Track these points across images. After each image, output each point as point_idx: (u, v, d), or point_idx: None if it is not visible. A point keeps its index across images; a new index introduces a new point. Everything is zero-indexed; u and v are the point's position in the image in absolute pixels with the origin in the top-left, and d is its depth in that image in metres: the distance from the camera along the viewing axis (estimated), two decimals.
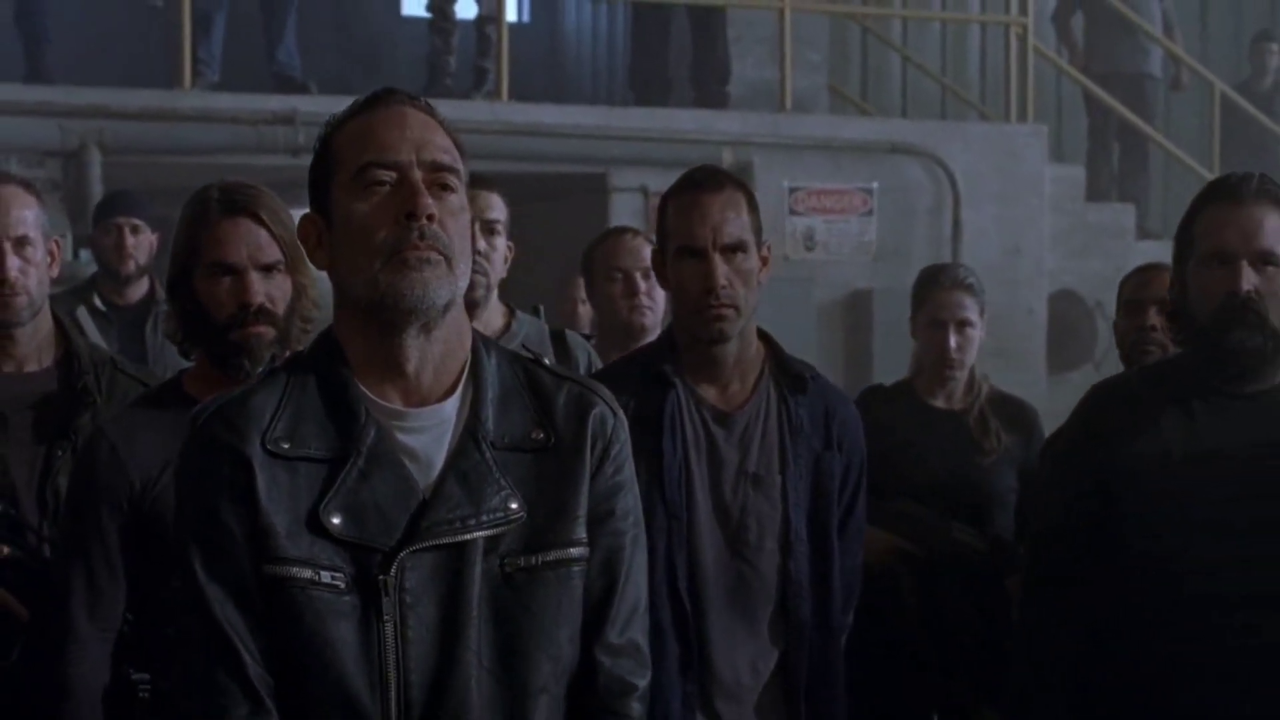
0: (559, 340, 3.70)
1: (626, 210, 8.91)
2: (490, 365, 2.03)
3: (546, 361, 2.11)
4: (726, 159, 8.99)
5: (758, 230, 3.03)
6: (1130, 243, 9.95)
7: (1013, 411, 4.19)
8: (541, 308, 3.90)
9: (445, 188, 1.98)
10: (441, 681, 1.92)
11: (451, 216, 1.97)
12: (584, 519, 2.00)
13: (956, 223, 9.36)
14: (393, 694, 1.91)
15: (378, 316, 1.96)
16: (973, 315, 4.11)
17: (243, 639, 1.91)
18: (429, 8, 9.12)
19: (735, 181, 3.06)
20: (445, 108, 7.67)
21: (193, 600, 1.92)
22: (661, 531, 2.92)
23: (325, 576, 1.91)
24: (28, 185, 3.41)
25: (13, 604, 3.11)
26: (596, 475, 2.02)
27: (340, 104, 7.38)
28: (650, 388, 2.99)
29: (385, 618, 1.91)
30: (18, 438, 3.26)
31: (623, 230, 4.51)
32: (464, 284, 2.00)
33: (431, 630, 1.92)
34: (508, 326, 3.58)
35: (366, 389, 1.98)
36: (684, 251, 2.97)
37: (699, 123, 9.03)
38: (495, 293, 3.56)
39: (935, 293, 4.12)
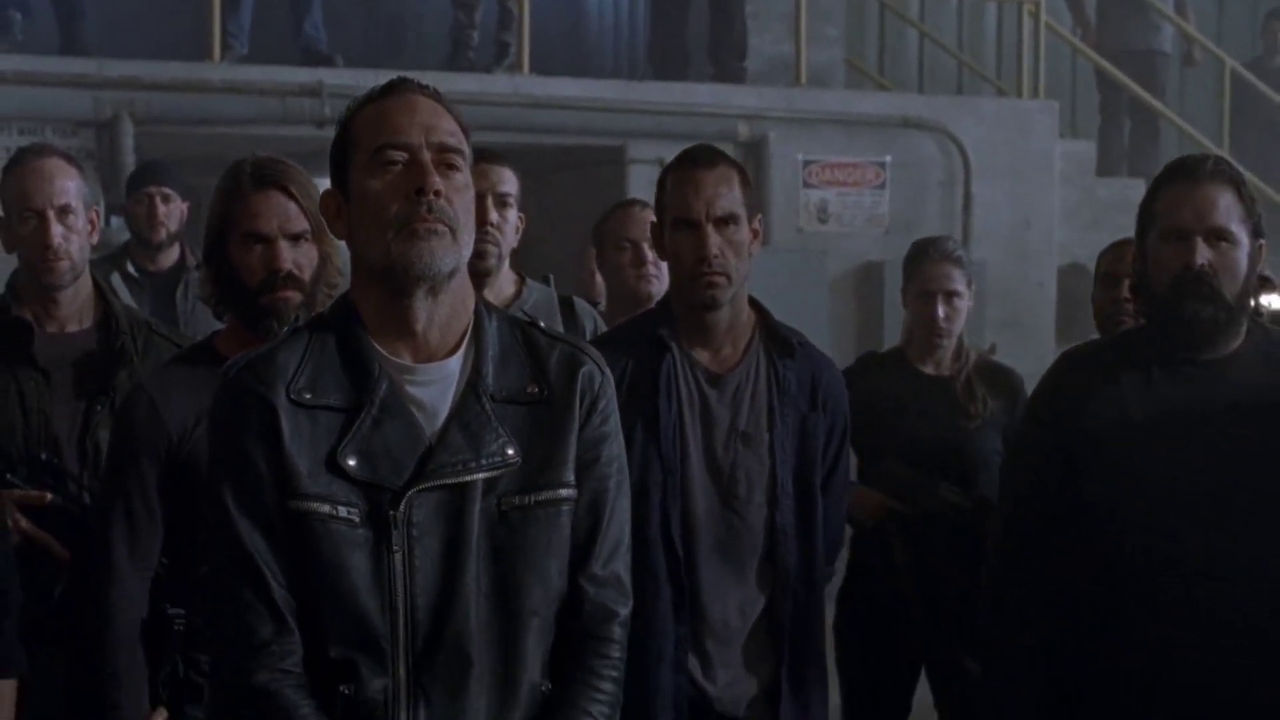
0: (567, 307, 3.92)
1: (643, 181, 9.07)
2: (491, 327, 2.26)
3: (542, 325, 2.34)
4: (742, 132, 9.19)
5: (749, 205, 3.23)
6: None
7: (999, 378, 4.39)
8: (552, 276, 4.10)
9: (451, 167, 2.21)
10: (444, 605, 2.15)
11: (457, 192, 2.20)
12: (572, 464, 2.23)
13: (968, 196, 9.53)
14: (400, 616, 2.15)
15: (390, 281, 2.18)
16: (960, 286, 4.30)
17: (269, 565, 2.14)
18: None
19: (729, 159, 3.27)
20: (467, 81, 7.89)
21: (224, 532, 2.16)
22: (657, 485, 3.14)
23: (342, 511, 2.14)
24: (69, 158, 3.64)
25: (55, 546, 3.36)
26: (584, 426, 2.25)
27: (364, 77, 7.70)
28: (648, 351, 3.20)
29: (395, 549, 2.15)
30: (60, 393, 3.50)
31: (632, 203, 4.71)
32: (467, 252, 2.23)
33: (435, 560, 2.16)
34: (519, 294, 3.78)
35: (379, 346, 2.21)
36: (680, 223, 3.18)
37: (715, 97, 9.21)
38: (507, 261, 3.76)
39: (924, 265, 4.32)
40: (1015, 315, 9.53)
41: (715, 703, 3.17)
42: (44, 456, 3.44)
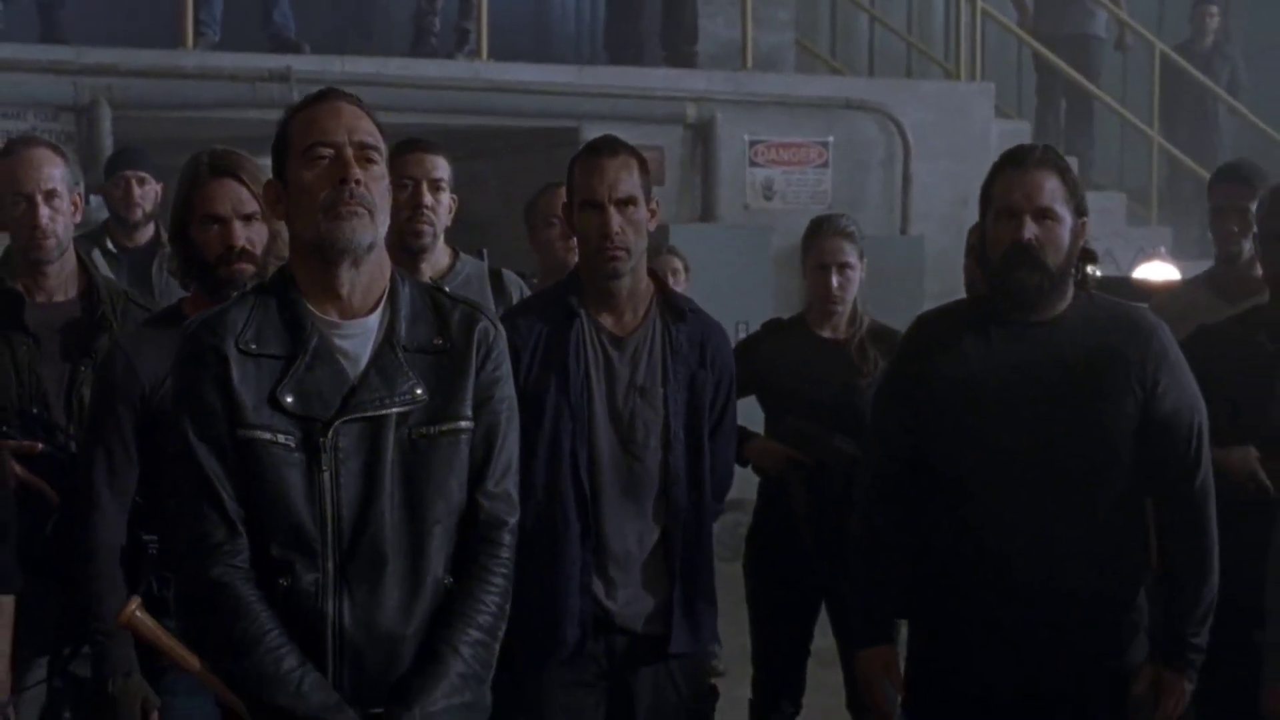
0: (496, 278, 4.39)
1: None
2: (404, 290, 2.77)
3: (446, 289, 2.84)
4: (690, 114, 9.66)
5: (647, 189, 3.70)
6: None
7: (890, 340, 4.82)
8: (485, 250, 4.58)
9: (370, 161, 2.71)
10: (363, 515, 2.67)
11: (374, 181, 2.70)
12: (470, 402, 2.74)
13: (907, 175, 10.02)
14: (328, 524, 2.66)
15: (320, 254, 2.69)
16: (852, 259, 4.77)
17: (221, 482, 2.65)
18: None
19: (629, 148, 3.74)
20: (429, 66, 8.38)
21: (184, 456, 2.67)
22: (567, 433, 3.62)
23: (280, 439, 2.65)
24: (55, 148, 4.11)
25: (46, 489, 3.82)
26: (480, 371, 2.76)
27: (331, 63, 8.27)
28: (559, 317, 3.68)
29: (324, 469, 2.65)
30: (49, 355, 3.96)
31: (560, 184, 5.18)
32: (383, 230, 2.73)
33: (357, 479, 2.67)
34: (453, 266, 4.25)
35: (312, 307, 2.71)
36: (586, 204, 3.66)
37: (665, 81, 9.67)
38: (441, 238, 4.23)
39: (820, 240, 4.80)
40: (953, 288, 9.82)
41: (616, 618, 3.66)
42: (35, 411, 3.88)
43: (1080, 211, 3.55)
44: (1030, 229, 3.48)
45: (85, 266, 4.09)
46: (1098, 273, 3.68)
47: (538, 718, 3.62)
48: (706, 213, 9.66)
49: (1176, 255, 11.22)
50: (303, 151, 2.70)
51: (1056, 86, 11.16)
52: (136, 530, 3.43)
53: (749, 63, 9.96)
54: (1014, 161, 3.54)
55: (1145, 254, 8.22)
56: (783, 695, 4.89)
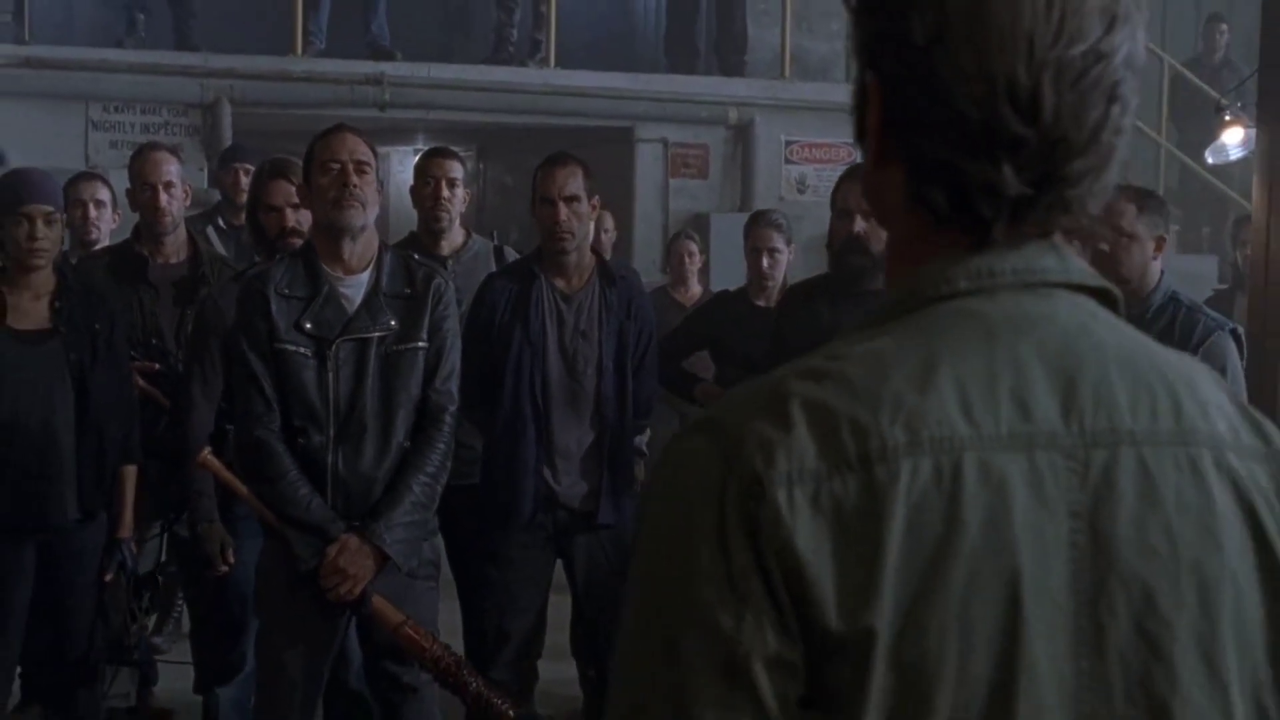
0: (499, 253, 5.80)
1: (648, 158, 10.91)
2: (386, 257, 4.22)
3: (415, 256, 4.27)
4: (732, 117, 10.98)
5: (589, 189, 5.07)
6: None
7: None
8: (495, 232, 5.99)
9: (362, 171, 4.15)
10: (353, 400, 4.12)
11: (366, 185, 4.14)
12: (426, 330, 4.18)
13: None
14: (330, 405, 4.12)
15: (330, 231, 4.15)
16: (780, 245, 6.12)
17: (264, 377, 4.11)
18: None
19: (576, 159, 5.12)
20: (504, 73, 10.05)
21: (241, 360, 4.14)
22: (526, 362, 5.01)
23: (302, 350, 4.11)
24: (172, 150, 5.64)
25: (159, 396, 5.32)
26: (432, 311, 4.19)
27: (418, 69, 10.20)
28: (525, 279, 5.08)
29: (329, 371, 4.11)
30: (164, 302, 5.45)
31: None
32: (372, 216, 4.17)
33: (350, 377, 4.12)
34: (465, 244, 5.68)
35: (325, 266, 4.16)
36: (543, 200, 5.05)
37: (711, 87, 10.95)
38: (457, 222, 5.65)
39: (754, 229, 6.17)
40: None
41: (560, 497, 5.03)
42: (154, 341, 5.38)
43: None
44: (860, 224, 4.83)
45: (192, 238, 5.59)
46: None
47: (503, 566, 5.03)
48: (745, 204, 10.97)
49: (1182, 249, 12.44)
50: (320, 165, 4.15)
51: None
52: (221, 421, 4.90)
53: (787, 72, 11.25)
54: (849, 175, 4.90)
55: None
56: None
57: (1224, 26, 12.64)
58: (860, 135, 1.36)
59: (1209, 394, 1.33)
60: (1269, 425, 1.38)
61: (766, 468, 1.19)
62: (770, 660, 1.17)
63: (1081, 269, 1.33)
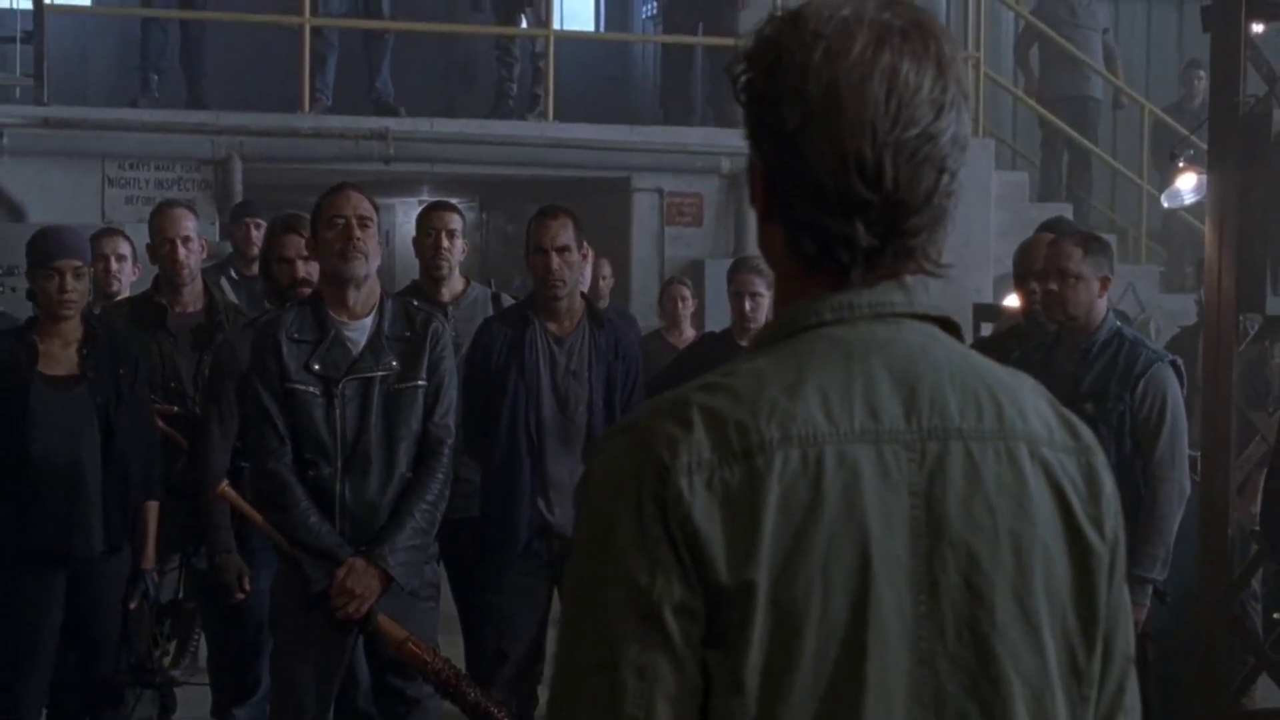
0: (496, 299, 6.16)
1: (645, 207, 11.25)
2: (388, 303, 4.58)
3: (415, 302, 4.64)
4: (725, 166, 11.28)
5: (579, 239, 5.44)
6: None
7: None
8: (493, 280, 6.36)
9: (365, 226, 4.51)
10: (358, 435, 4.48)
11: (369, 237, 4.50)
12: (425, 369, 4.54)
13: None
14: (337, 439, 4.47)
15: (336, 280, 4.52)
16: (761, 289, 6.45)
17: (276, 414, 4.47)
18: (496, 45, 11.45)
19: (567, 211, 5.49)
20: (505, 126, 10.54)
21: (255, 399, 4.49)
22: (522, 401, 5.36)
23: (311, 389, 4.47)
24: (189, 206, 6.02)
25: (178, 437, 5.65)
26: (431, 352, 4.55)
27: (421, 124, 10.71)
28: (520, 323, 5.44)
29: (335, 408, 4.47)
30: (182, 348, 5.80)
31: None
32: (375, 266, 4.54)
33: (356, 414, 4.48)
34: (465, 290, 6.04)
35: (331, 312, 4.53)
36: (536, 250, 5.42)
37: (703, 138, 11.22)
38: (457, 270, 6.02)
39: (737, 274, 6.53)
40: (956, 317, 11.57)
41: (554, 526, 5.36)
42: (173, 385, 5.73)
43: None
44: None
45: (208, 288, 5.95)
46: None
47: (500, 591, 5.36)
48: (739, 250, 11.28)
49: (1166, 288, 12.80)
50: (326, 220, 4.52)
51: (1059, 142, 12.75)
52: (237, 459, 5.24)
53: None
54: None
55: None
56: None
57: (1201, 72, 12.98)
58: (752, 199, 1.71)
59: (1029, 401, 1.68)
60: (1083, 427, 1.74)
61: (672, 459, 1.54)
62: (677, 607, 1.52)
63: (925, 303, 1.69)
